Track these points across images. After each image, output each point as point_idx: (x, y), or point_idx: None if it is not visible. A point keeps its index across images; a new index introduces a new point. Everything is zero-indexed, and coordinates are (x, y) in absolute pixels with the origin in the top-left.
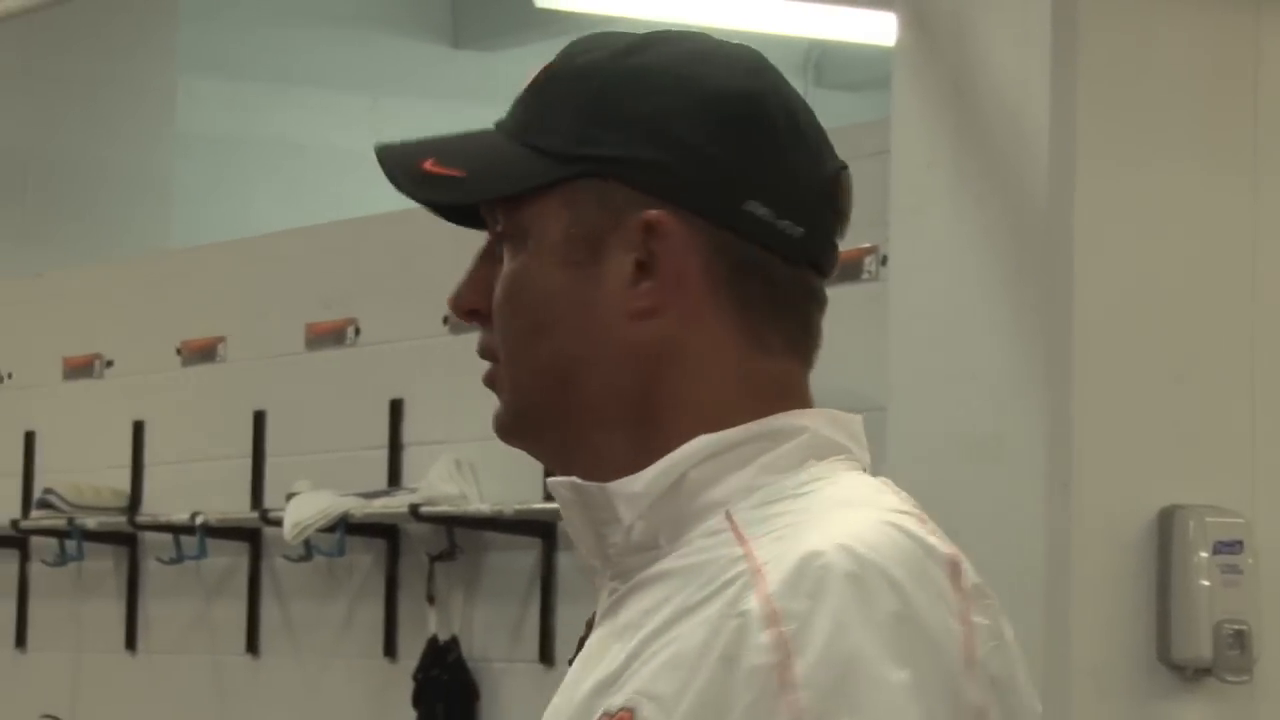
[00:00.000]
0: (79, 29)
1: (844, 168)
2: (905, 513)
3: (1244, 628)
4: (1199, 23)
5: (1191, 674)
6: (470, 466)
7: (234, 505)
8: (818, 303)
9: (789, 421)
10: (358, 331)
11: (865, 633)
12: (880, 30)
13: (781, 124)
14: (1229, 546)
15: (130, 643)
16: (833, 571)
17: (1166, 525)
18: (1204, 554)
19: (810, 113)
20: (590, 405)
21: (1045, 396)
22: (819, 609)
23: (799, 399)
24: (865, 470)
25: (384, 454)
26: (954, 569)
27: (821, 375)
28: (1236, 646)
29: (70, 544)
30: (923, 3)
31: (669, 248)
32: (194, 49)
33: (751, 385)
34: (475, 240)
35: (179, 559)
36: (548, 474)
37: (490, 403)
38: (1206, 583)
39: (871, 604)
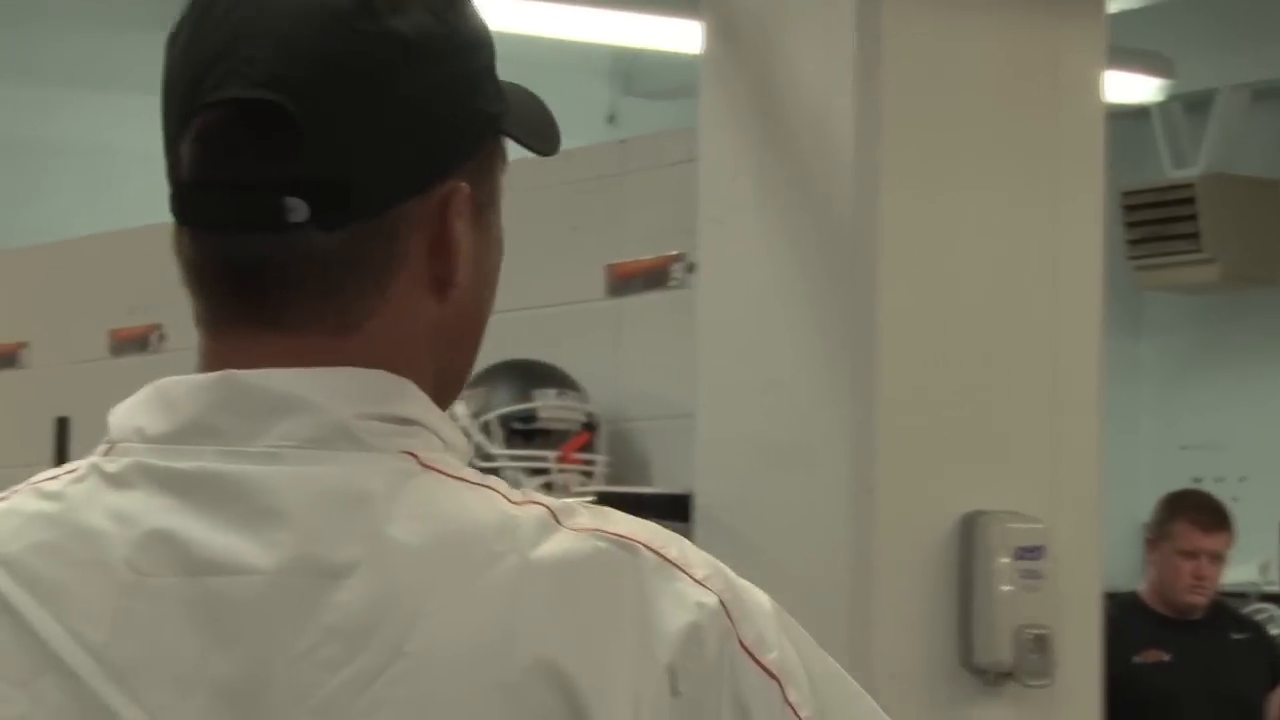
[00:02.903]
0: None
1: (202, 109)
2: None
3: (1044, 632)
4: (1001, 33)
5: (993, 678)
6: None
7: None
8: (187, 258)
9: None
10: (162, 338)
11: None
12: (688, 38)
13: (164, 78)
14: (1030, 552)
15: None
16: None
17: (968, 531)
18: (1005, 559)
19: (186, 60)
20: None
21: (849, 405)
22: None
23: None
24: (102, 456)
25: None
26: None
27: (630, 381)
28: (1037, 651)
29: None
30: (729, 12)
31: None
32: None
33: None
34: None
35: None
36: None
37: None
38: (1008, 588)
39: None
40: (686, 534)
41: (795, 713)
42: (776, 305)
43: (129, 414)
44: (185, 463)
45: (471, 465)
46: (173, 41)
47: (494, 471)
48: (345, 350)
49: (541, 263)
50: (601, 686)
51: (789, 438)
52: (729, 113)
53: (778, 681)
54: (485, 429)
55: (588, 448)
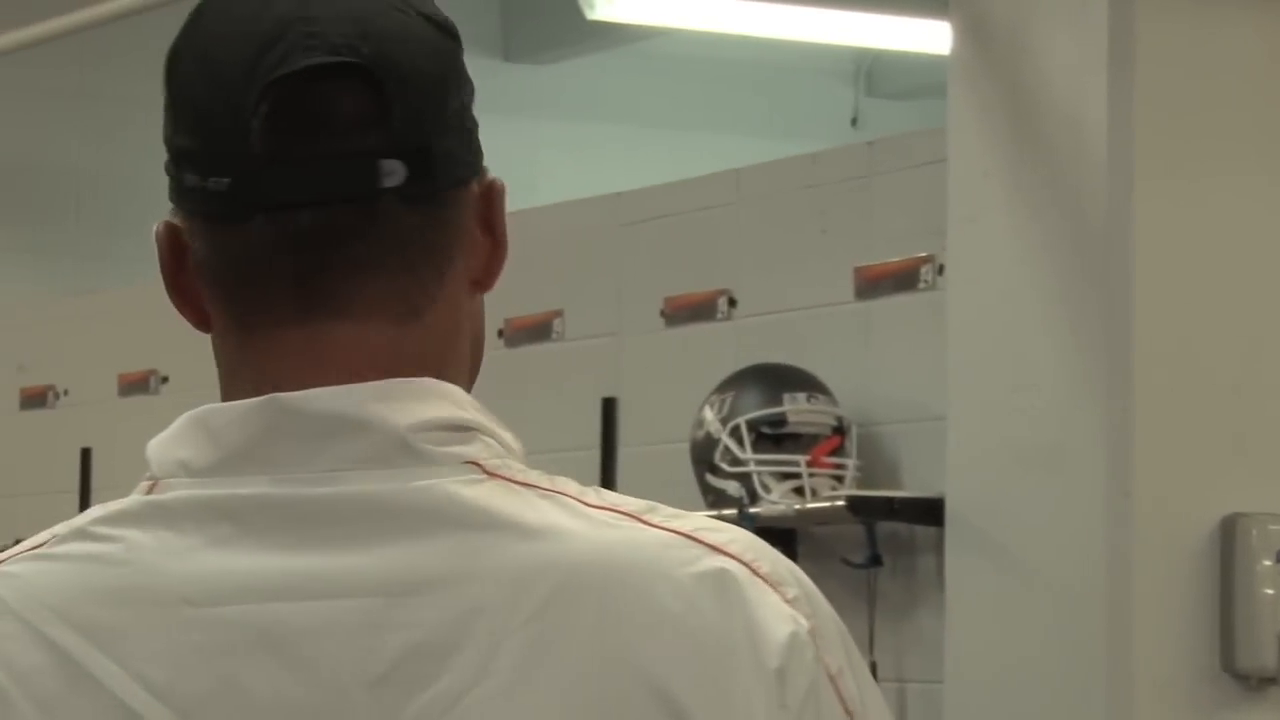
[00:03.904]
0: (131, 48)
1: (272, 85)
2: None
3: None
4: (1259, 28)
5: (1256, 683)
6: None
7: None
8: (240, 250)
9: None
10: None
11: None
12: (934, 38)
13: (188, 70)
14: None
15: None
16: None
17: (1229, 533)
18: (1267, 562)
19: (230, 42)
20: None
21: (1105, 405)
22: None
23: (244, 385)
24: (148, 490)
25: None
26: None
27: (879, 384)
28: None
29: None
30: (978, 11)
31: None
32: None
33: (224, 372)
34: None
35: None
36: None
37: None
38: (1270, 591)
39: None
40: (938, 539)
41: None
42: (1029, 306)
43: (167, 447)
44: (239, 490)
45: (720, 469)
46: (188, 47)
47: (744, 476)
48: (405, 344)
49: (789, 266)
50: (710, 698)
51: (1043, 440)
52: (978, 112)
53: None
54: (734, 433)
55: (838, 452)
